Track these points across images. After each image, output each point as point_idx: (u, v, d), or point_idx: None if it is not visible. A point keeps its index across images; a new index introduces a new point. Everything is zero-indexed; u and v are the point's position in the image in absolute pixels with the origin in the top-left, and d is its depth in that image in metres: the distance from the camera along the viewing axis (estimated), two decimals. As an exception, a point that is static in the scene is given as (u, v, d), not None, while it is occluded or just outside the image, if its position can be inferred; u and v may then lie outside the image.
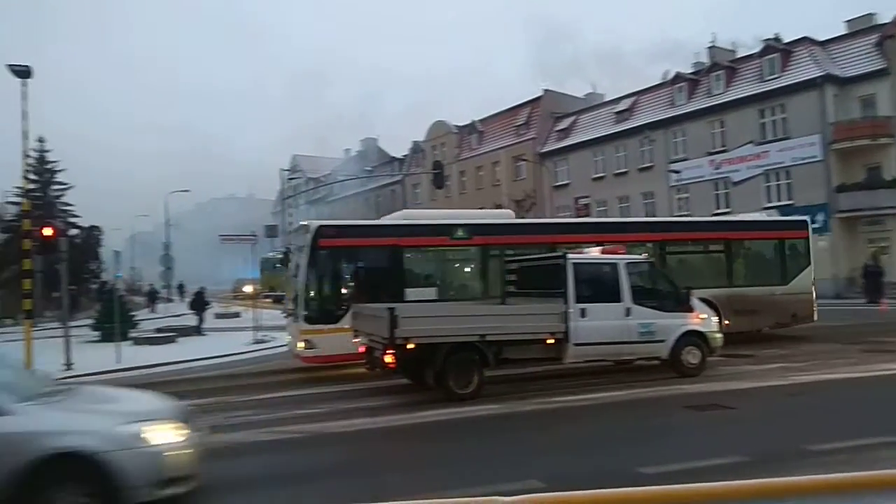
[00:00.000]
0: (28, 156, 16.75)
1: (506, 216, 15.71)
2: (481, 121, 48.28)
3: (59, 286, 17.10)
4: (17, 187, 30.62)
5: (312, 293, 12.44)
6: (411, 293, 12.73)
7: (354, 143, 67.24)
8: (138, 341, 19.05)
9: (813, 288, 15.35)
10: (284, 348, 16.74)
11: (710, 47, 35.63)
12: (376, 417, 8.60)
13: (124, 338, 17.77)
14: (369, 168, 55.25)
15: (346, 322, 11.79)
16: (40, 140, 36.10)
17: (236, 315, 28.62)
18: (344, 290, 12.79)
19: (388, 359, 9.20)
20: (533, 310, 10.40)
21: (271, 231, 26.82)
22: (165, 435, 5.03)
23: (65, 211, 36.94)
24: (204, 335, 21.40)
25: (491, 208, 43.56)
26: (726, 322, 12.88)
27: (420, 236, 13.50)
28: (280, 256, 32.02)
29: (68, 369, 14.26)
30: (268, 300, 32.02)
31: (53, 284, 23.76)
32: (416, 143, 53.35)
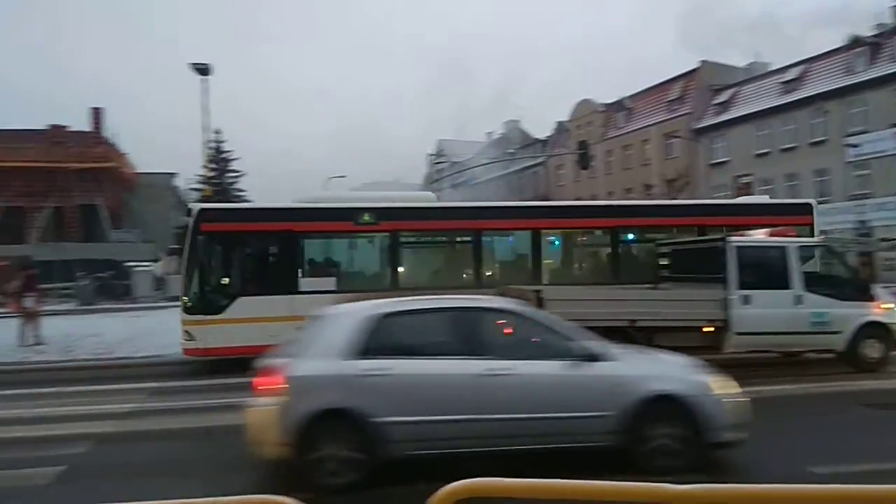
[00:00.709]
0: (209, 147, 18.51)
1: (426, 199, 14.04)
2: (630, 97, 46.37)
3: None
4: (199, 175, 34.11)
5: (194, 281, 11.52)
6: (305, 283, 11.73)
7: (498, 126, 67.45)
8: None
9: None
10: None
11: (894, 6, 31.46)
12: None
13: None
14: (511, 151, 55.15)
15: (231, 313, 11.27)
16: (217, 132, 39.87)
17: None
18: (229, 279, 11.95)
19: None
20: (689, 296, 9.90)
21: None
22: (722, 385, 5.60)
23: (238, 196, 40.59)
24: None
25: (641, 188, 42.28)
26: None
27: (318, 221, 12.32)
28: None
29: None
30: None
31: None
32: (560, 124, 52.42)
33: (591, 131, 47.42)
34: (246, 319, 11.10)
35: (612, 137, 46.59)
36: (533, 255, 12.77)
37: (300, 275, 11.79)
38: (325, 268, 12.32)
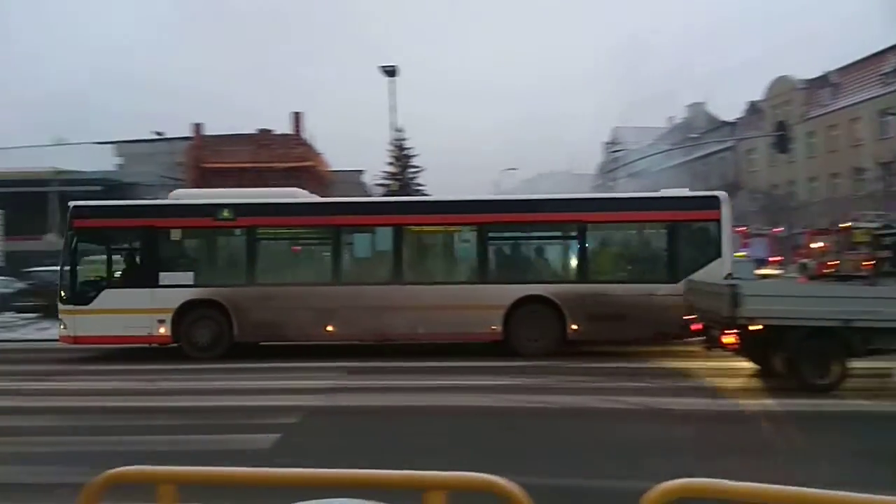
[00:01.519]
0: (395, 145, 19.60)
1: (293, 195, 13.37)
2: (836, 71, 41.36)
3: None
4: (384, 172, 36.28)
5: (66, 274, 12.22)
6: (165, 277, 12.08)
7: (679, 110, 63.68)
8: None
9: None
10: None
11: None
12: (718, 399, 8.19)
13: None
14: (695, 135, 51.77)
15: (98, 304, 11.84)
16: (399, 129, 42.07)
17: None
18: (97, 272, 12.59)
19: (729, 339, 8.62)
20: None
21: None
22: None
23: (418, 191, 42.57)
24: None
25: (849, 172, 37.63)
26: (573, 327, 11.40)
27: (179, 217, 12.49)
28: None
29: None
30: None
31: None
32: (752, 104, 48.20)
33: (790, 111, 43.01)
34: (111, 310, 11.82)
35: (814, 117, 41.93)
36: (395, 251, 12.30)
37: (160, 268, 12.27)
38: (184, 263, 12.69)
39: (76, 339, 12.22)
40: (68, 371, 11.31)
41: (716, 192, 12.67)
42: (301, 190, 14.61)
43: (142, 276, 12.35)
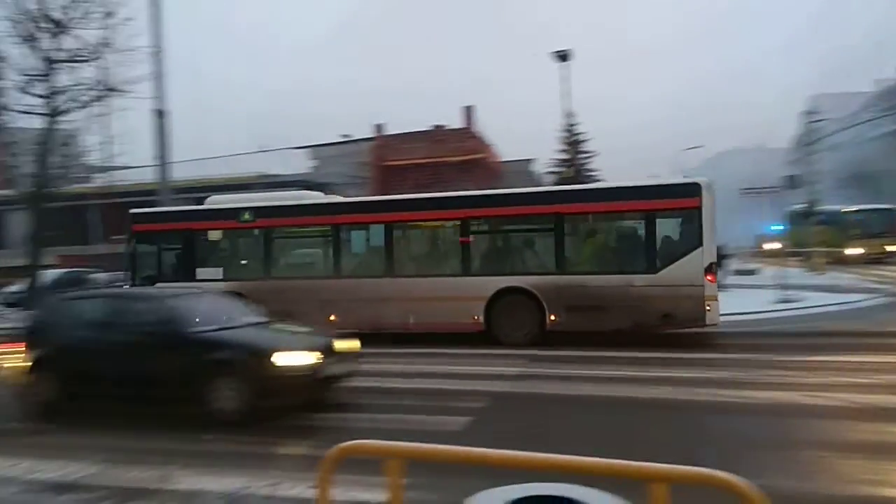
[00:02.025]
0: (564, 130, 19.30)
1: (301, 198, 14.59)
2: None
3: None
4: (554, 158, 35.89)
5: (130, 270, 14.43)
6: (200, 273, 13.85)
7: (890, 72, 55.53)
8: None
9: (710, 277, 11.05)
10: (815, 309, 15.38)
11: None
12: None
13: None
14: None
15: None
16: (569, 114, 41.35)
17: (753, 272, 27.42)
18: (151, 269, 14.43)
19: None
20: None
21: (793, 181, 24.58)
22: None
23: (589, 176, 41.58)
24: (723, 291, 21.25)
25: None
26: (552, 318, 11.63)
27: (207, 220, 14.47)
28: (805, 209, 29.01)
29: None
30: (798, 257, 29.30)
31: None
32: None
33: None
34: None
35: None
36: (385, 247, 13.09)
37: (196, 265, 14.03)
38: (215, 260, 14.33)
39: None
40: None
41: (697, 179, 11.97)
42: (312, 192, 15.94)
43: (182, 271, 14.19)
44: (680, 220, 11.89)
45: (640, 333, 11.77)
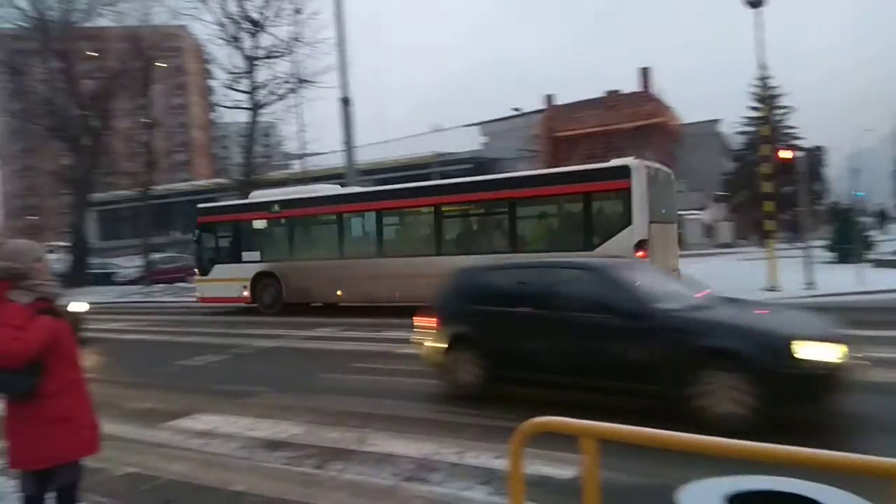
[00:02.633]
0: (760, 86, 17.53)
1: (324, 190, 17.60)
2: None
3: (791, 208, 17.49)
4: (745, 117, 32.81)
5: (197, 254, 18.54)
6: (245, 255, 17.32)
7: None
8: (879, 263, 17.74)
9: (640, 253, 11.54)
10: None
11: None
12: None
13: (861, 259, 16.82)
14: None
15: (212, 275, 17.87)
16: (762, 67, 37.57)
17: None
18: (211, 253, 18.16)
19: None
20: None
21: None
22: None
23: (787, 134, 37.55)
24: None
25: None
26: None
27: (248, 212, 17.80)
28: None
29: (809, 288, 14.51)
30: None
31: (783, 206, 24.61)
32: None
33: None
34: (217, 280, 17.70)
35: None
36: (376, 232, 15.53)
37: (242, 250, 17.47)
38: (254, 245, 17.47)
39: (203, 300, 18.40)
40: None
41: (627, 161, 12.54)
42: (328, 186, 18.58)
43: (231, 254, 17.66)
44: (611, 200, 12.80)
45: None
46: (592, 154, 50.99)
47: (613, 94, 49.81)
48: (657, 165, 13.82)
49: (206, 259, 18.14)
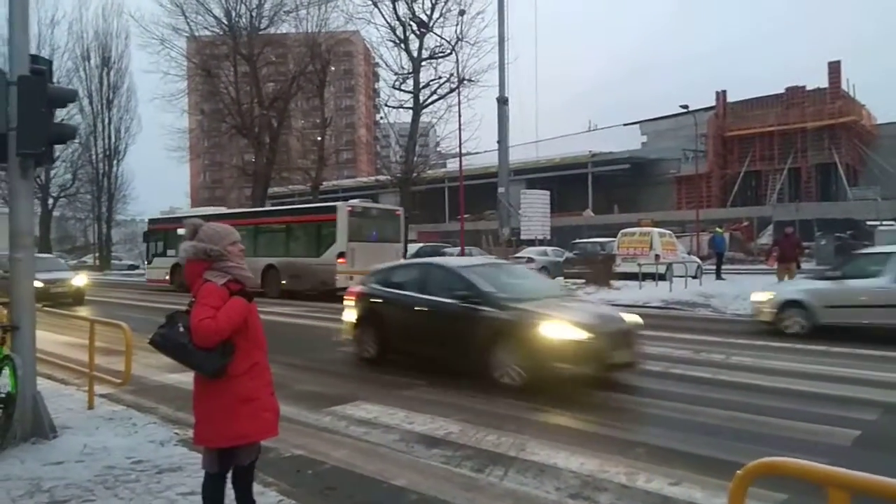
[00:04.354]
0: None
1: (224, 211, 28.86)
2: None
3: None
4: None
5: (146, 250, 28.26)
6: (169, 252, 25.31)
7: None
8: None
9: (338, 261, 19.54)
10: None
11: None
12: None
13: None
14: None
15: (154, 264, 26.89)
16: None
17: None
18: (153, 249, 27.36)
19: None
20: None
21: None
22: None
23: None
24: None
25: None
26: (283, 281, 20.77)
27: (170, 224, 25.59)
28: None
29: None
30: None
31: None
32: None
33: None
34: (155, 268, 27.27)
35: None
36: (266, 238, 22.72)
37: (167, 248, 25.75)
38: (174, 246, 23.54)
39: (148, 281, 27.30)
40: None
41: (335, 204, 20.92)
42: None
43: (163, 251, 25.95)
44: (328, 226, 20.32)
45: (321, 291, 19.95)
46: (769, 155, 46.86)
47: (796, 90, 45.43)
48: (369, 205, 22.41)
49: (150, 254, 27.30)
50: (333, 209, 20.30)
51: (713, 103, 50.59)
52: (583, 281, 20.95)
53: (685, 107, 38.71)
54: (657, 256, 22.36)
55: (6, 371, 5.33)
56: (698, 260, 25.22)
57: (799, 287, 12.26)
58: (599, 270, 20.37)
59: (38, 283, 19.17)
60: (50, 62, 5.83)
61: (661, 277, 20.50)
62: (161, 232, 26.61)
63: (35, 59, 5.33)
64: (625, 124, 57.94)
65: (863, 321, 10.87)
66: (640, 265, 20.37)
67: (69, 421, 5.93)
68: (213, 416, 3.35)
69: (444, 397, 7.30)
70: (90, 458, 5.00)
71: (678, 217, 41.90)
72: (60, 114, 7.82)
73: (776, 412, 6.48)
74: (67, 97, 6.12)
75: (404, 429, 6.04)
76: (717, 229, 24.80)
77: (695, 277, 21.66)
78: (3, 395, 5.28)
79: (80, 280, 20.73)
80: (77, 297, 19.92)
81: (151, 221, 28.91)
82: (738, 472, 2.06)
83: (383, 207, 23.01)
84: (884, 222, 31.13)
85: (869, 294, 10.75)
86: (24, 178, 5.36)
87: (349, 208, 20.17)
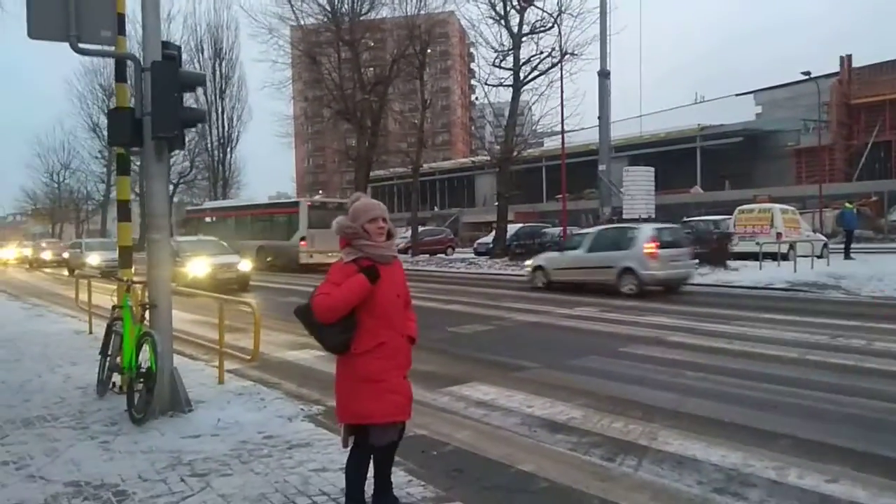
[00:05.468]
0: None
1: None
2: None
3: None
4: None
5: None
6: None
7: None
8: None
9: (301, 244, 25.80)
10: None
11: None
12: None
13: None
14: None
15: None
16: None
17: None
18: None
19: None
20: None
21: None
22: None
23: None
24: None
25: None
26: (268, 259, 27.37)
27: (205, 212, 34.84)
28: None
29: None
30: None
31: None
32: None
33: None
34: None
35: None
36: (248, 228, 30.08)
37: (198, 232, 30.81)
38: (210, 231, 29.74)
39: None
40: (745, 317, 11.46)
41: (300, 199, 29.97)
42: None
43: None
44: (294, 218, 26.83)
45: (291, 270, 25.74)
46: (899, 125, 42.59)
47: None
48: (325, 199, 32.01)
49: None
50: (297, 204, 27.77)
51: (836, 69, 46.54)
52: (696, 261, 19.84)
53: (807, 73, 35.80)
54: (779, 234, 20.85)
55: (146, 347, 5.60)
56: (824, 238, 23.35)
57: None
58: (714, 250, 19.21)
59: (206, 268, 18.10)
60: (179, 47, 6.02)
61: (784, 257, 19.07)
62: (193, 220, 34.55)
63: (166, 44, 5.51)
64: (737, 94, 54.46)
65: None
66: (759, 244, 19.05)
67: (202, 395, 6.19)
68: (339, 393, 3.39)
69: (560, 380, 7.06)
70: (224, 431, 5.17)
71: (798, 192, 39.00)
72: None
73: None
74: (197, 81, 6.34)
75: (524, 412, 5.86)
76: (847, 204, 22.74)
77: (820, 257, 20.06)
78: (143, 371, 5.55)
79: (246, 265, 19.16)
80: (242, 283, 18.60)
81: (188, 211, 37.62)
82: None
83: (337, 201, 28.65)
84: None
85: None
86: (159, 161, 5.58)
87: (308, 203, 27.56)
